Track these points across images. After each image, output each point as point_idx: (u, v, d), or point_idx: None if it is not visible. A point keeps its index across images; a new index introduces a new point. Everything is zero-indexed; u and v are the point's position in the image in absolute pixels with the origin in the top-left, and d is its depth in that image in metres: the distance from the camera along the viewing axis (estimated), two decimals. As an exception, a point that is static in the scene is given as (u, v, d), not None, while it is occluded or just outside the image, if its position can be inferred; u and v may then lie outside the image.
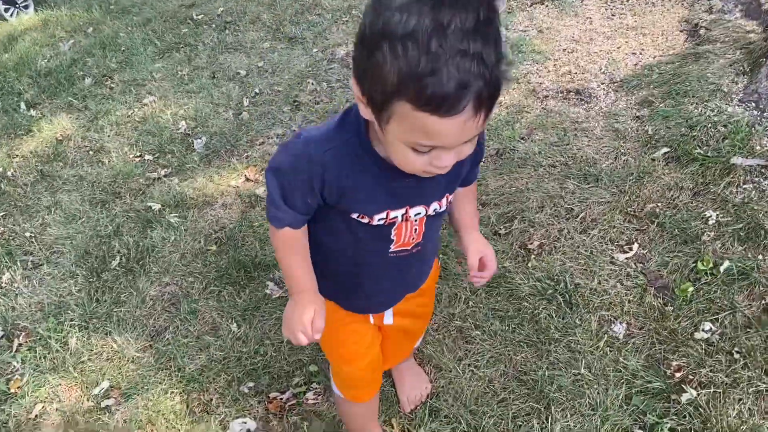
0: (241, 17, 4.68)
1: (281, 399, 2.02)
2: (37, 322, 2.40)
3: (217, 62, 4.09)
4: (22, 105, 4.05)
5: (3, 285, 2.63)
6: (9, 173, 3.36)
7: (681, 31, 3.46)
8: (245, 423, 1.94)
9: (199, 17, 4.83)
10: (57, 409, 2.10)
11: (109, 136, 3.55)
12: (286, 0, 4.78)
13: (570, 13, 3.85)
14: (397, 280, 1.38)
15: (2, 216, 3.04)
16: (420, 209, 1.19)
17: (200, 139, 3.33)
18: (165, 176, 3.12)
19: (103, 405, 2.09)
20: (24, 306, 2.50)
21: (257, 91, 3.68)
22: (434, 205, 1.21)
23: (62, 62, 4.52)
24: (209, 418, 1.98)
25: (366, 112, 0.95)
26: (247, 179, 2.98)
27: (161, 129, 3.49)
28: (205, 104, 3.64)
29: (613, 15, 3.76)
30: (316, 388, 2.03)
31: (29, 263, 2.73)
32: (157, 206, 2.89)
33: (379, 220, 1.16)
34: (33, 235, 2.88)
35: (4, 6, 6.08)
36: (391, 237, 1.22)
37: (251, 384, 2.07)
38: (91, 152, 3.44)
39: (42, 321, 2.41)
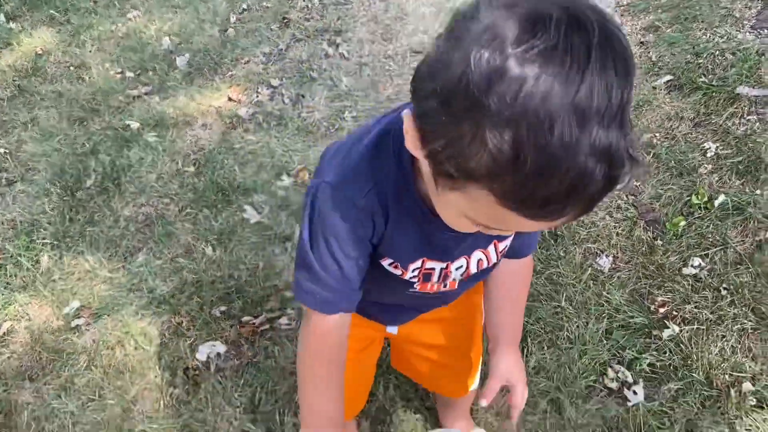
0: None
1: (254, 323, 1.97)
2: (9, 240, 2.34)
3: (205, -24, 3.87)
4: (2, 17, 3.85)
5: (-24, 202, 2.55)
6: (-15, 87, 3.23)
7: (696, -48, 3.24)
8: (214, 346, 1.89)
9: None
10: (26, 328, 2.06)
11: (90, 51, 3.39)
12: None
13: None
14: (409, 308, 1.14)
15: (-23, 131, 2.94)
16: (461, 262, 0.94)
17: (183, 56, 3.18)
18: (146, 94, 2.99)
19: (73, 324, 2.04)
20: (-4, 223, 2.43)
21: (245, 6, 3.49)
22: (477, 255, 0.94)
23: (45, -27, 4.30)
24: (179, 341, 1.94)
25: (417, 152, 0.67)
26: (230, 99, 2.85)
27: (144, 45, 3.33)
28: (191, 20, 3.46)
29: (625, -67, 3.52)
30: (290, 314, 1.98)
31: (3, 180, 2.64)
32: (135, 125, 2.78)
33: (413, 270, 0.92)
34: (8, 151, 2.78)
35: None
36: (415, 285, 0.98)
37: (223, 308, 2.02)
38: (71, 68, 3.29)
39: (14, 239, 2.34)
